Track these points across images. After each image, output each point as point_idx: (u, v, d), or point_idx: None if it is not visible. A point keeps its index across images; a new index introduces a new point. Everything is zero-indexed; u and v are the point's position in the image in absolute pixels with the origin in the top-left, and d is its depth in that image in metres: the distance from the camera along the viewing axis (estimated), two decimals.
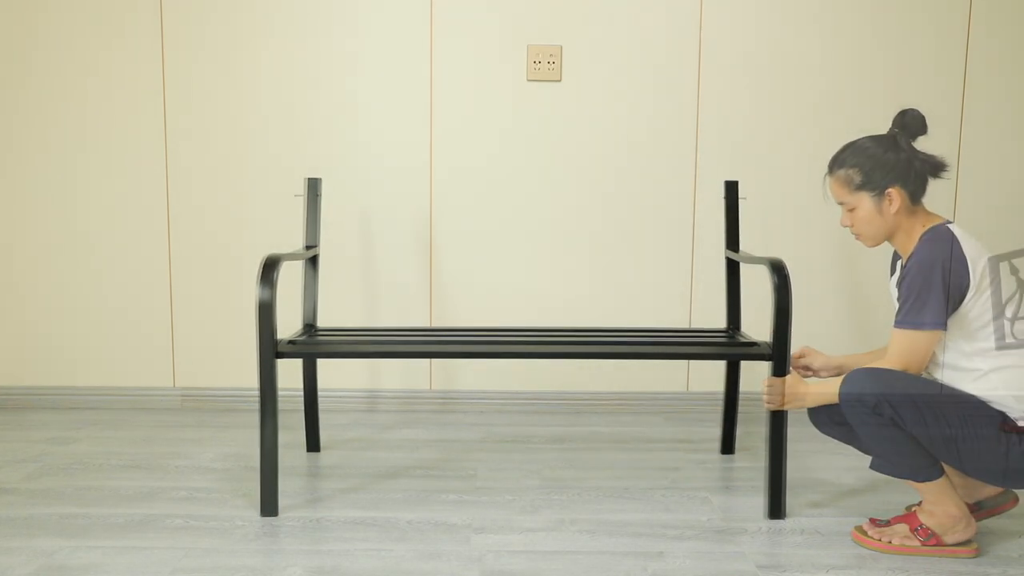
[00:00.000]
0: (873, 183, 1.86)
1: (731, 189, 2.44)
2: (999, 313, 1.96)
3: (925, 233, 1.86)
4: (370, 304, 2.91)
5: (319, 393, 2.82)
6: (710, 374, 2.94)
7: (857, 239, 1.99)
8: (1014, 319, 2.07)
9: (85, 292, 2.91)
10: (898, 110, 2.95)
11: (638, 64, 2.83)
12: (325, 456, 2.45)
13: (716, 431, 2.70)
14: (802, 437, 2.68)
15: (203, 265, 2.89)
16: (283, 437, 2.62)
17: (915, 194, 1.87)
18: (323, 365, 2.90)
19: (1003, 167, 2.87)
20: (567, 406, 2.96)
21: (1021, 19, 2.82)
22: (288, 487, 2.20)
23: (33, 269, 2.90)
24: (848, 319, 2.92)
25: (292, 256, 2.18)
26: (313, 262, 2.41)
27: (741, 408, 2.94)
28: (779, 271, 1.98)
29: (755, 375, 2.94)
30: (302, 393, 2.50)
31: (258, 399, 2.00)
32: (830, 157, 1.97)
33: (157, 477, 2.26)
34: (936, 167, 1.88)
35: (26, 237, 2.89)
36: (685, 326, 2.92)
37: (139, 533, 1.90)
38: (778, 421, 1.99)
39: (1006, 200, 2.88)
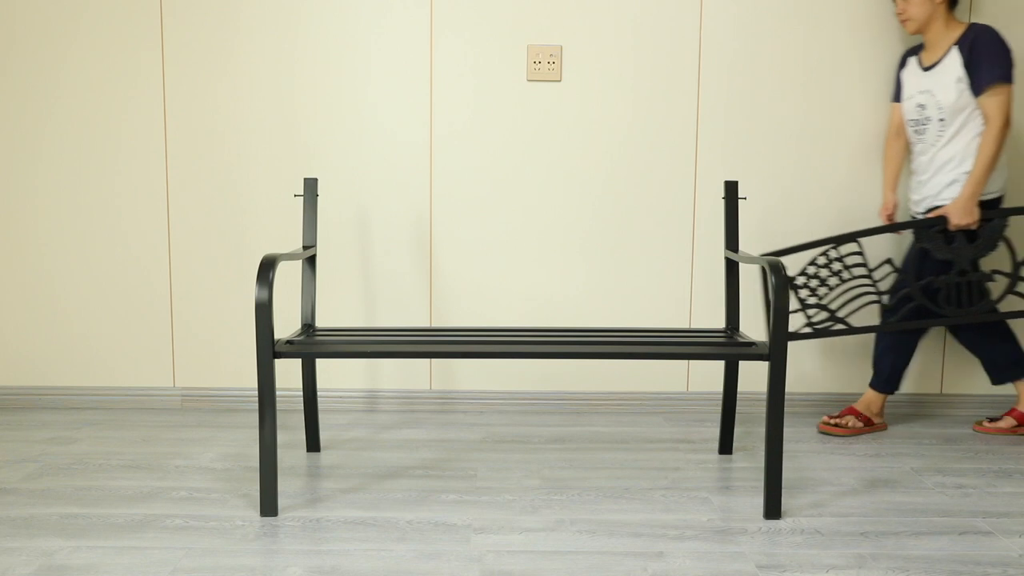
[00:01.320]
0: None
1: (731, 189, 2.44)
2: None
3: (971, 25, 2.48)
4: (370, 304, 2.91)
5: (319, 393, 2.83)
6: (709, 374, 2.94)
7: (904, 24, 2.57)
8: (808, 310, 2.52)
9: (85, 292, 2.91)
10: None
11: (638, 64, 2.83)
12: (325, 456, 2.45)
13: (715, 431, 2.70)
14: (801, 438, 2.68)
15: (203, 265, 2.90)
16: (283, 437, 2.63)
17: (953, 3, 2.54)
18: (323, 365, 2.91)
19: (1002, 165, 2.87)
20: (567, 406, 2.96)
21: (1022, 18, 2.82)
22: (288, 487, 2.20)
23: (33, 269, 2.90)
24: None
25: (289, 256, 2.17)
26: (311, 262, 2.41)
27: (740, 408, 2.95)
28: (777, 272, 1.98)
29: (754, 375, 2.94)
30: (302, 393, 2.50)
31: (257, 399, 1.99)
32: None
33: (157, 477, 2.26)
34: None
35: (26, 237, 2.89)
36: (685, 326, 2.92)
37: (139, 533, 1.90)
38: (776, 422, 1.99)
39: (1005, 198, 2.89)
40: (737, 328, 2.41)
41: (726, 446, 2.50)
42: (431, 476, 2.29)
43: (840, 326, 2.49)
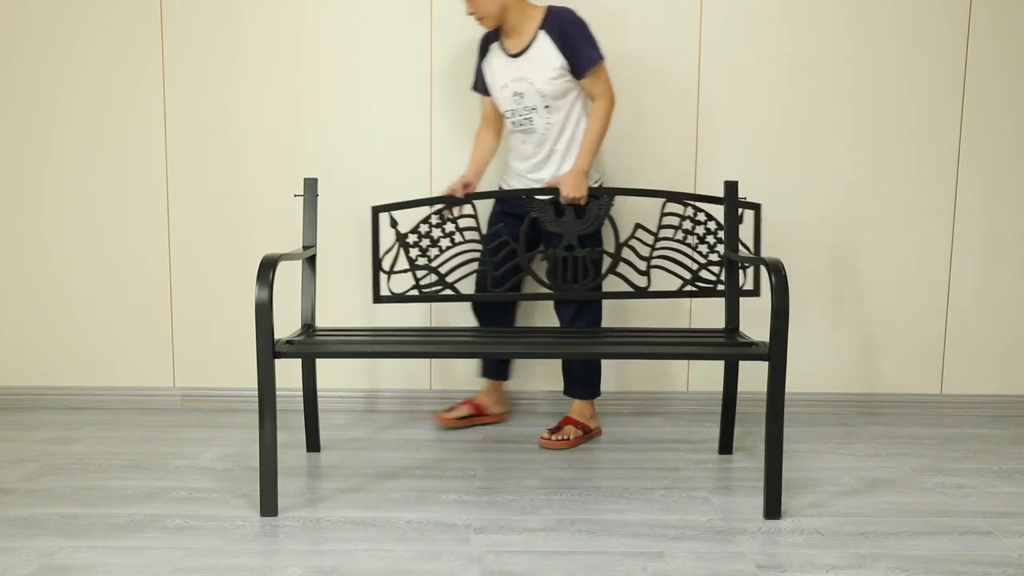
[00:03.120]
0: None
1: (731, 189, 2.44)
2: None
3: (550, 8, 2.43)
4: (370, 304, 2.91)
5: (319, 393, 2.82)
6: (709, 374, 2.94)
7: (480, 23, 2.44)
8: (391, 271, 2.43)
9: (85, 292, 2.91)
10: (893, 107, 2.96)
11: (638, 64, 2.83)
12: (325, 456, 2.45)
13: (715, 431, 2.70)
14: (801, 438, 2.68)
15: (203, 265, 2.90)
16: (283, 437, 2.63)
17: None
18: (323, 365, 2.91)
19: (1003, 167, 2.87)
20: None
21: (1021, 18, 2.82)
22: (288, 487, 2.20)
23: (34, 269, 2.90)
24: (846, 319, 2.92)
25: (289, 256, 2.17)
26: (311, 262, 2.41)
27: (740, 408, 2.94)
28: (777, 272, 1.98)
29: (754, 375, 2.94)
30: (302, 393, 2.50)
31: (257, 399, 1.99)
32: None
33: (157, 477, 2.26)
34: None
35: (27, 237, 2.89)
36: (685, 326, 2.92)
37: (139, 533, 1.90)
38: (776, 422, 1.99)
39: (1006, 199, 2.89)
40: (737, 328, 2.41)
41: (726, 446, 2.50)
42: (431, 476, 2.29)
43: (448, 291, 2.43)
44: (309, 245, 2.39)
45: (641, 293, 2.49)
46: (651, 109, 2.85)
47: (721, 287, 2.47)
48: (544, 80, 2.42)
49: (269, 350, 1.96)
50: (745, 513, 2.05)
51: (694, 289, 2.49)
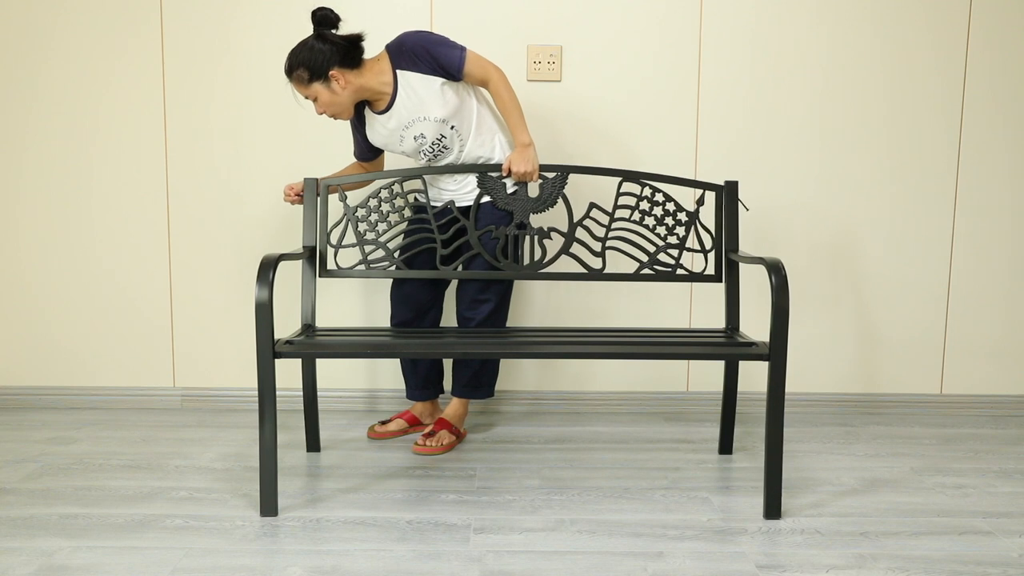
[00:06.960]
0: (319, 73, 2.26)
1: (731, 189, 2.44)
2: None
3: (388, 48, 2.32)
4: (370, 304, 2.91)
5: (319, 393, 2.82)
6: (709, 374, 2.94)
7: (337, 118, 2.36)
8: (339, 245, 2.39)
9: (85, 292, 2.91)
10: (893, 107, 2.97)
11: (638, 64, 2.83)
12: (325, 456, 2.45)
13: (715, 431, 2.70)
14: (801, 438, 2.68)
15: (203, 265, 2.90)
16: (283, 437, 2.63)
17: (355, 61, 2.30)
18: (323, 365, 2.91)
19: (1003, 167, 2.87)
20: (567, 406, 2.96)
21: (1021, 19, 2.82)
22: (288, 487, 2.20)
23: (34, 269, 2.90)
24: (846, 319, 2.93)
25: (289, 256, 2.17)
26: (311, 262, 2.41)
27: (740, 408, 2.95)
28: (777, 272, 1.98)
29: (754, 375, 2.94)
30: (302, 393, 2.50)
31: (257, 399, 1.99)
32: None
33: (157, 477, 2.26)
34: (357, 38, 2.30)
35: (27, 237, 2.89)
36: (685, 326, 2.92)
37: (139, 533, 1.90)
38: (776, 422, 1.99)
39: (1006, 199, 2.89)
40: (737, 328, 2.41)
41: (726, 446, 2.50)
42: (431, 476, 2.29)
43: (397, 267, 2.36)
44: (309, 245, 2.39)
45: (595, 275, 2.41)
46: (650, 108, 2.85)
47: (681, 271, 2.36)
48: (438, 104, 2.33)
49: (269, 350, 1.96)
50: (745, 513, 2.05)
51: (651, 272, 2.40)
